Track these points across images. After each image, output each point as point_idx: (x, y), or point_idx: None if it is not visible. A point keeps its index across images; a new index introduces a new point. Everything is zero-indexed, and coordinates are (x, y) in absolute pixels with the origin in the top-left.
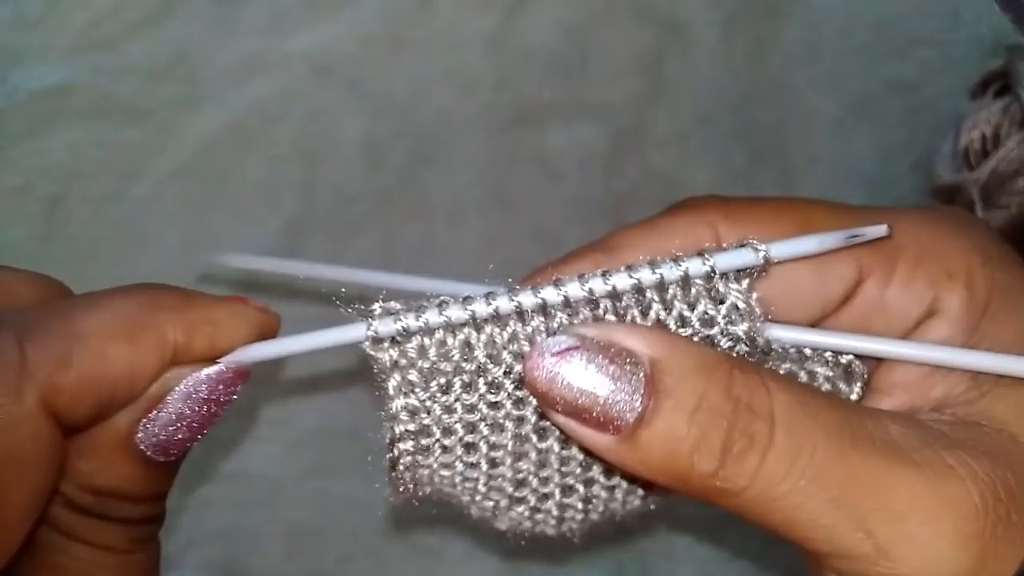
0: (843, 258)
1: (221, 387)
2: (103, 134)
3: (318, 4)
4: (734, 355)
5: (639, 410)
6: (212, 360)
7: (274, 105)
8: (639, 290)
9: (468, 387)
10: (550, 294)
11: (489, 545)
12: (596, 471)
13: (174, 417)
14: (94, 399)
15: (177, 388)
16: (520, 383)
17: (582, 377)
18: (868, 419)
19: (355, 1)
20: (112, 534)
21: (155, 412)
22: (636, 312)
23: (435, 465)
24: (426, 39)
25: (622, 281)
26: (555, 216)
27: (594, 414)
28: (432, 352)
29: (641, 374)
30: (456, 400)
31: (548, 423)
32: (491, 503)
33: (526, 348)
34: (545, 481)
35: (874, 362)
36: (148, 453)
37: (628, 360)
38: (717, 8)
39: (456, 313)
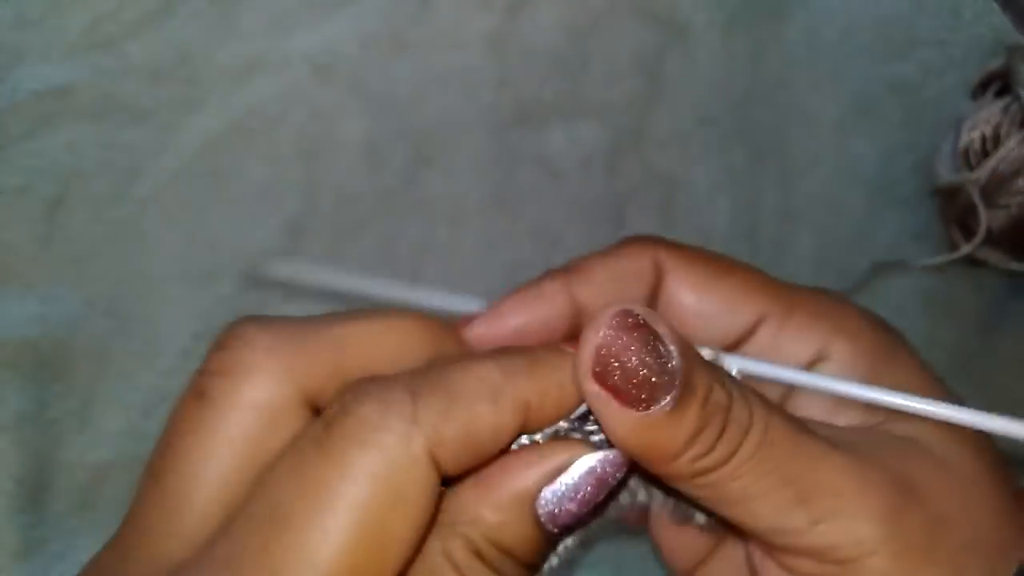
0: (749, 300)
1: (613, 471)
2: (104, 134)
3: (319, 4)
4: None
5: (673, 396)
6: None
7: (275, 105)
8: None
9: None
10: None
11: None
12: None
13: (573, 490)
14: (468, 452)
15: (581, 462)
16: None
17: (640, 353)
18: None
19: (356, 1)
20: None
21: (558, 480)
22: None
23: None
24: (426, 39)
25: None
26: (555, 216)
27: (636, 390)
28: None
29: (675, 362)
30: None
31: None
32: None
33: None
34: None
35: (779, 396)
36: (542, 519)
37: (666, 347)
38: (717, 8)
39: None
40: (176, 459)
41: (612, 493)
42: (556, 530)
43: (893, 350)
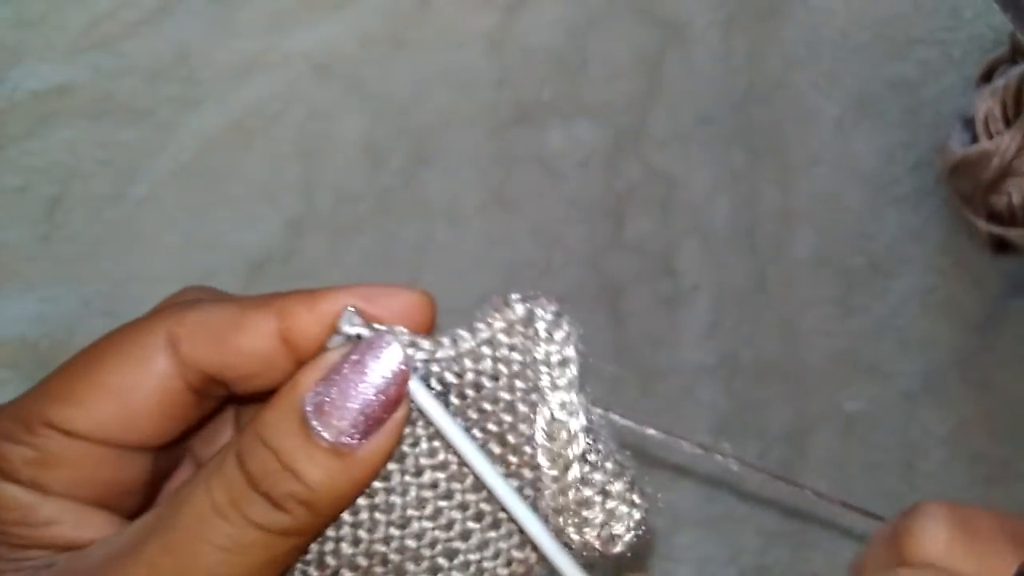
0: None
1: (380, 359)
2: (103, 134)
3: (318, 4)
4: None
5: None
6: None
7: (274, 105)
8: None
9: None
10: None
11: None
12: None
13: (338, 379)
14: (202, 336)
15: (341, 352)
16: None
17: None
18: None
19: (355, 1)
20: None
21: (327, 374)
22: None
23: None
24: (426, 39)
25: None
26: (555, 216)
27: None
28: None
29: None
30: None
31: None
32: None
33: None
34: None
35: None
36: (307, 409)
37: None
38: (717, 8)
39: None
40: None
41: (391, 394)
42: (318, 423)
43: None
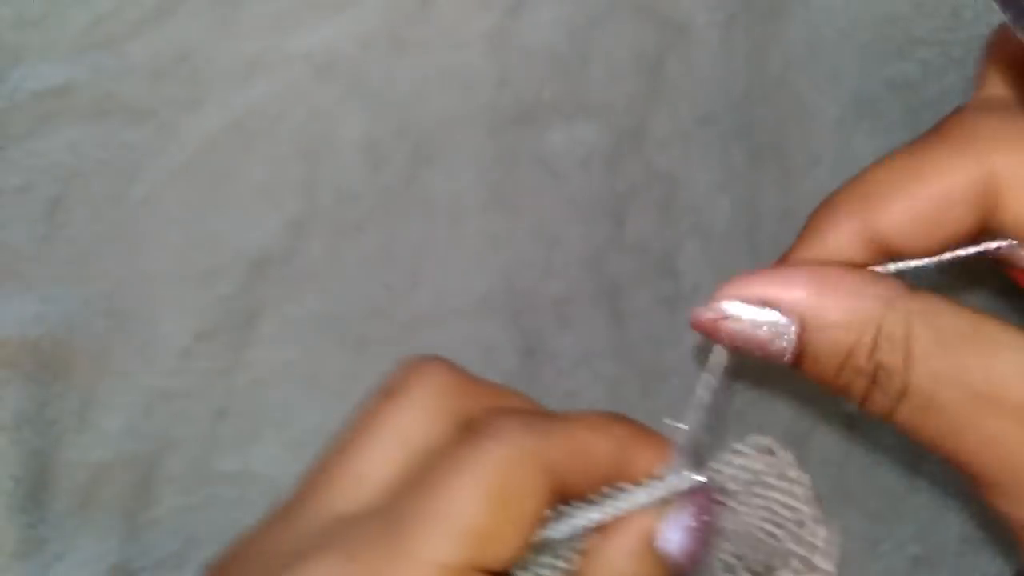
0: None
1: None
2: (104, 134)
3: (319, 4)
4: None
5: (792, 360)
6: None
7: (275, 105)
8: None
9: None
10: None
11: None
12: None
13: (686, 513)
14: (576, 467)
15: (681, 488)
16: None
17: (739, 330)
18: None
19: (355, 1)
20: None
21: (669, 511)
22: None
23: None
24: (426, 39)
25: None
26: (555, 216)
27: (759, 354)
28: None
29: (792, 328)
30: None
31: None
32: None
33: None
34: None
35: None
36: (668, 549)
37: (779, 313)
38: (717, 8)
39: None
40: (357, 437)
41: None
42: (683, 558)
43: None
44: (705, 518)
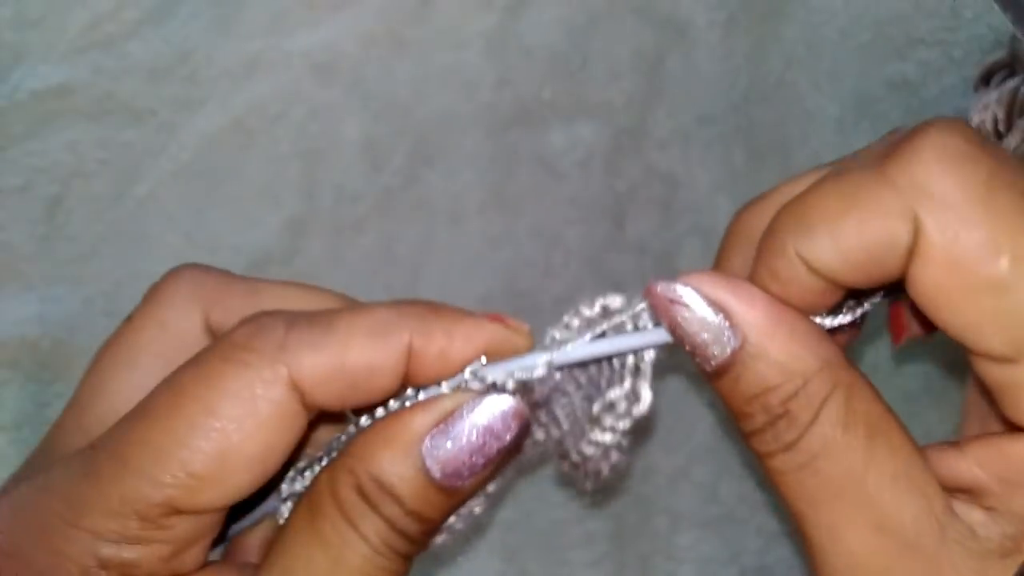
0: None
1: (507, 424)
2: (104, 134)
3: (319, 4)
4: None
5: (722, 361)
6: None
7: (274, 105)
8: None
9: None
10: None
11: (490, 545)
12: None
13: (460, 436)
14: (336, 384)
15: (471, 410)
16: None
17: (687, 320)
18: None
19: (356, 1)
20: (377, 530)
21: (445, 425)
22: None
23: None
24: (426, 39)
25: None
26: (555, 216)
27: (691, 348)
28: None
29: (732, 343)
30: None
31: None
32: None
33: None
34: None
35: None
36: (426, 461)
37: (727, 324)
38: (717, 8)
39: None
40: (94, 369)
41: (512, 447)
42: (442, 477)
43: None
44: (484, 443)
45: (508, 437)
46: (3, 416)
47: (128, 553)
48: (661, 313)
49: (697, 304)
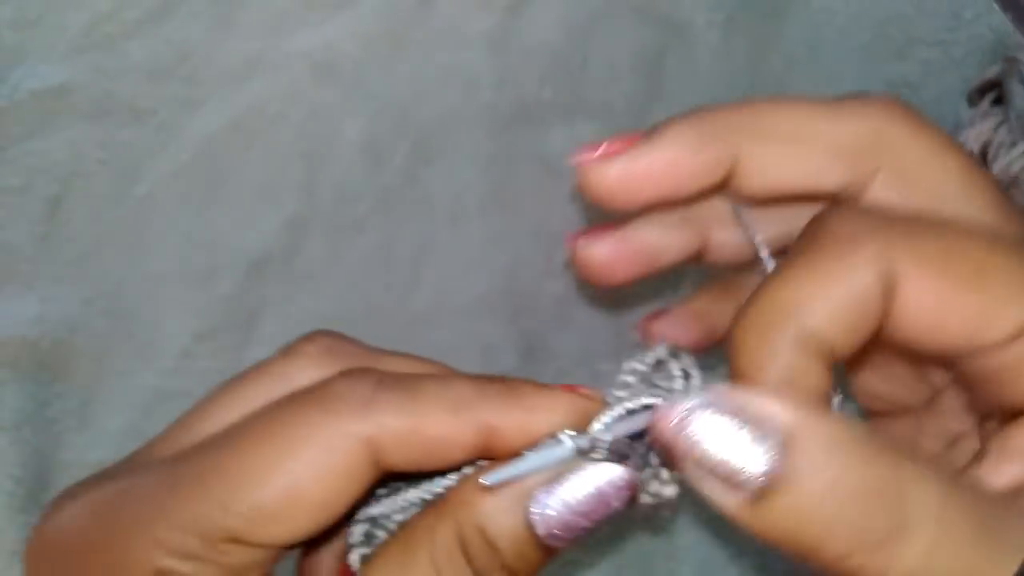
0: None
1: (616, 490)
2: (104, 134)
3: (318, 4)
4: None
5: (766, 478)
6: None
7: (274, 104)
8: None
9: None
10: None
11: None
12: None
13: (569, 497)
14: (410, 449)
15: (582, 474)
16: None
17: (712, 436)
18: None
19: (355, 1)
20: None
21: (556, 484)
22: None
23: None
24: (426, 39)
25: None
26: (555, 215)
27: (722, 473)
28: None
29: (775, 441)
30: None
31: None
32: None
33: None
34: None
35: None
36: (533, 517)
37: (762, 425)
38: (717, 8)
39: None
40: (208, 396)
41: (616, 512)
42: (545, 534)
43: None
44: (593, 506)
45: (616, 505)
46: (3, 416)
47: (184, 568)
48: (672, 453)
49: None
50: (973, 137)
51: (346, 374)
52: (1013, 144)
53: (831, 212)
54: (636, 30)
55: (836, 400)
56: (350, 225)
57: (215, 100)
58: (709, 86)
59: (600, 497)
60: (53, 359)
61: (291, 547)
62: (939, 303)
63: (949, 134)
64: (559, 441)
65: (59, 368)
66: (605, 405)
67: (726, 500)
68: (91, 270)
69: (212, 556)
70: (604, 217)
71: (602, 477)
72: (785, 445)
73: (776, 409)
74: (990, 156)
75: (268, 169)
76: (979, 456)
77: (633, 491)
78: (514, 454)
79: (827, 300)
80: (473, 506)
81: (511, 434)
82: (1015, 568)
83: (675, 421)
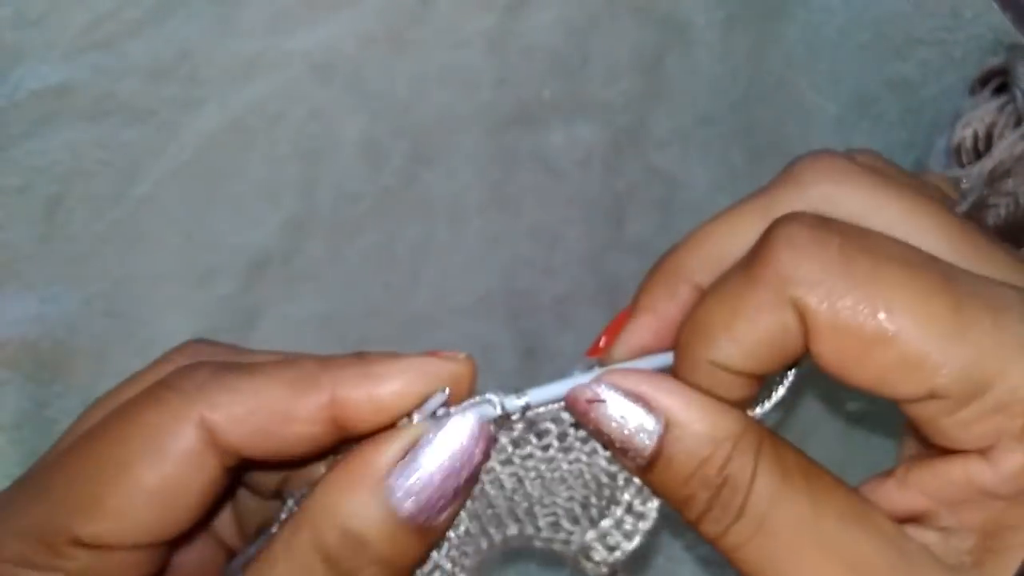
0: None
1: (472, 442)
2: (103, 134)
3: (318, 4)
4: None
5: (647, 458)
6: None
7: (274, 105)
8: None
9: None
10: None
11: None
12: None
13: (427, 466)
14: (248, 427)
15: (433, 438)
16: None
17: (608, 416)
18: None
19: (355, 1)
20: None
21: (408, 458)
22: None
23: None
24: (426, 39)
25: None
26: (555, 216)
27: (617, 446)
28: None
29: (656, 428)
30: None
31: None
32: None
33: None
34: None
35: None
36: (405, 505)
37: (651, 411)
38: (717, 8)
39: None
40: (84, 414)
41: (479, 465)
42: (414, 513)
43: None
44: (452, 466)
45: (479, 457)
46: (3, 416)
47: None
48: (582, 416)
49: (616, 399)
50: (978, 117)
51: (182, 367)
52: (1018, 125)
53: (777, 234)
54: (636, 30)
55: (759, 409)
56: (350, 225)
57: (215, 100)
58: (709, 86)
59: (461, 455)
60: (53, 359)
61: (152, 548)
62: (845, 359)
63: (946, 128)
64: (487, 400)
65: (59, 368)
66: (467, 363)
67: (625, 464)
68: (91, 270)
69: (56, 562)
70: (604, 217)
71: (456, 434)
72: (664, 430)
73: (664, 399)
74: (995, 137)
75: (268, 169)
76: (889, 472)
77: (489, 438)
78: (372, 430)
79: (742, 333)
80: (329, 509)
81: (360, 405)
82: None
83: (587, 396)
